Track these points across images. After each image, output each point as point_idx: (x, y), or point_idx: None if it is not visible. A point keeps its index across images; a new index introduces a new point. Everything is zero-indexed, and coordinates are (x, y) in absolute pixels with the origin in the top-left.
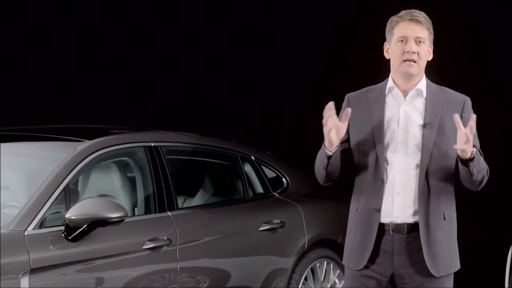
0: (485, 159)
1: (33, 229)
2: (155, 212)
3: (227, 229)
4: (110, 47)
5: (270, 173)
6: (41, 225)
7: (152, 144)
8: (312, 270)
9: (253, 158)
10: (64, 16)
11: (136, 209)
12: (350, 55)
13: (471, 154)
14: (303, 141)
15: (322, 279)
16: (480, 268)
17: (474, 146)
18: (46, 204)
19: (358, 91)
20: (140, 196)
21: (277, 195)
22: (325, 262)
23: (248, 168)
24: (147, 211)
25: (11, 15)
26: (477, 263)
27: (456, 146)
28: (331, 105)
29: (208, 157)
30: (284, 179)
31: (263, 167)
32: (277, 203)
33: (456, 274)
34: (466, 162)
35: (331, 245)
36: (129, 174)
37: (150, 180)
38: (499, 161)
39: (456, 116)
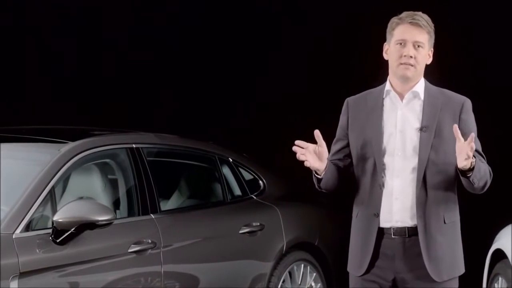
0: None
1: (21, 232)
2: (138, 215)
3: (210, 232)
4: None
5: (247, 175)
6: (27, 227)
7: (134, 145)
8: (290, 273)
9: (231, 160)
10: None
11: (118, 211)
12: (347, 58)
13: (471, 164)
14: (277, 143)
15: (299, 282)
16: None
17: (473, 156)
18: (33, 207)
19: (357, 95)
20: (123, 198)
21: (254, 197)
22: (302, 265)
23: (226, 170)
24: (130, 213)
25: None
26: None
27: (457, 164)
28: (298, 143)
29: (187, 159)
30: (260, 182)
31: (240, 169)
32: (255, 206)
33: None
34: (466, 173)
35: (308, 248)
36: (110, 176)
37: (133, 182)
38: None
39: (456, 127)
